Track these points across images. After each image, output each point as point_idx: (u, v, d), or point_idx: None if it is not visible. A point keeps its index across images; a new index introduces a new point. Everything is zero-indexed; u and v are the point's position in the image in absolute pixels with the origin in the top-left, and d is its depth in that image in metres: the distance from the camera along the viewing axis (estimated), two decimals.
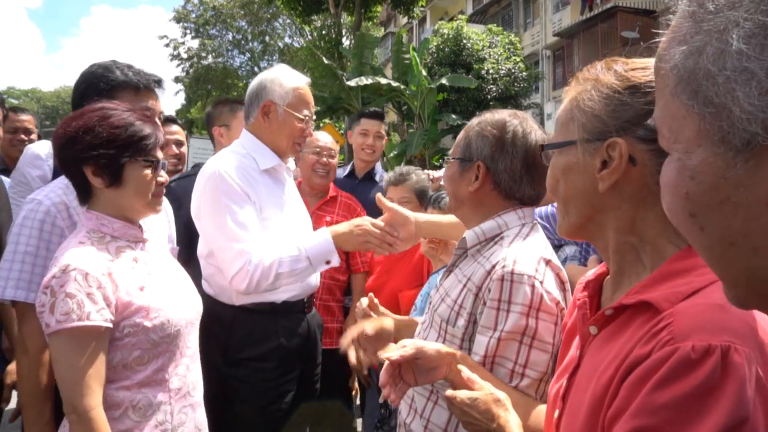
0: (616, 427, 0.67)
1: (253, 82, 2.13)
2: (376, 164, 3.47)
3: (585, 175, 0.84)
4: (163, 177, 1.52)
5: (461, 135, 1.44)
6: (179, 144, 3.26)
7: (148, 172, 1.46)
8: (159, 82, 1.82)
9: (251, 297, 1.99)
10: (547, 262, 1.27)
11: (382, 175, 3.37)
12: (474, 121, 1.43)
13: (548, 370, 1.20)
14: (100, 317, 1.30)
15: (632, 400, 0.65)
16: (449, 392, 1.08)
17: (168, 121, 3.28)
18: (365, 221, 1.94)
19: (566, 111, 0.88)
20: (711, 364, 0.61)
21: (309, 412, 2.24)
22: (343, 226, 1.97)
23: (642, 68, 0.81)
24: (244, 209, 1.92)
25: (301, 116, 2.08)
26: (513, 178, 1.35)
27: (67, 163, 1.42)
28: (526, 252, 1.27)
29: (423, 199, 2.70)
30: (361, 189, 3.25)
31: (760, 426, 0.59)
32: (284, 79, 2.08)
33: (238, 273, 1.85)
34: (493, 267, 1.26)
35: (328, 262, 1.95)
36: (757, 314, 0.67)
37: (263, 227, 1.98)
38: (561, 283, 1.27)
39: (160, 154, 1.51)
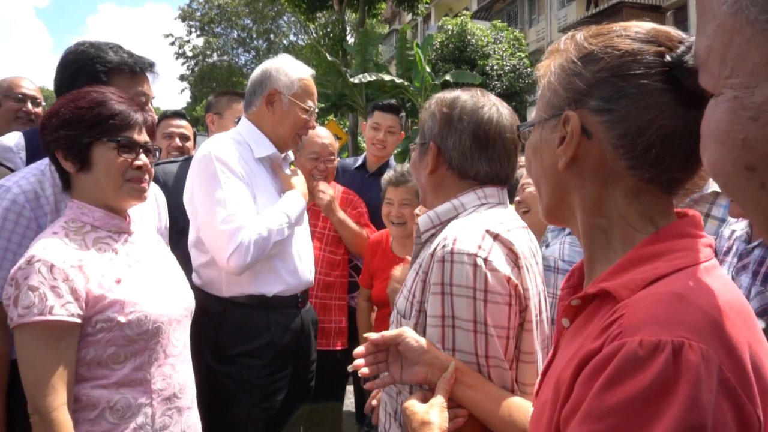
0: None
1: (257, 71, 2.08)
2: (389, 159, 3.29)
3: (547, 154, 0.79)
4: (142, 161, 1.41)
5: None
6: (184, 138, 3.22)
7: (115, 153, 1.37)
8: (152, 66, 1.74)
9: (242, 289, 1.95)
10: (495, 236, 1.14)
11: None
12: (428, 101, 1.36)
13: (510, 356, 1.12)
14: (65, 312, 1.23)
15: (582, 401, 0.59)
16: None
17: (175, 115, 3.27)
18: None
19: (540, 89, 0.84)
20: (660, 362, 0.54)
21: (305, 414, 2.18)
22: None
23: (606, 33, 0.73)
24: (235, 188, 1.88)
25: (306, 107, 2.05)
26: (463, 154, 1.26)
27: (43, 150, 1.38)
28: (469, 228, 1.15)
29: None
30: (369, 184, 3.08)
31: None
32: (289, 69, 2.04)
33: (234, 252, 1.80)
34: (436, 248, 1.15)
35: None
36: (733, 306, 0.60)
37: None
38: (515, 259, 1.14)
39: (142, 137, 1.42)
